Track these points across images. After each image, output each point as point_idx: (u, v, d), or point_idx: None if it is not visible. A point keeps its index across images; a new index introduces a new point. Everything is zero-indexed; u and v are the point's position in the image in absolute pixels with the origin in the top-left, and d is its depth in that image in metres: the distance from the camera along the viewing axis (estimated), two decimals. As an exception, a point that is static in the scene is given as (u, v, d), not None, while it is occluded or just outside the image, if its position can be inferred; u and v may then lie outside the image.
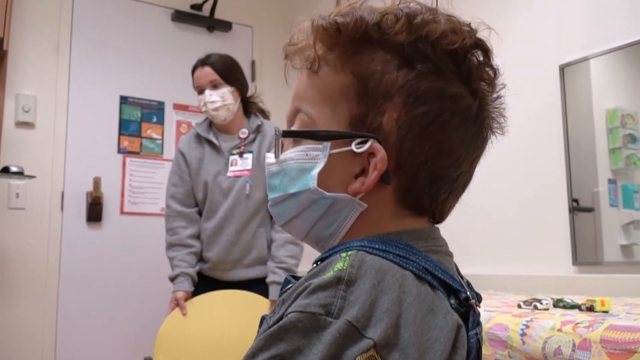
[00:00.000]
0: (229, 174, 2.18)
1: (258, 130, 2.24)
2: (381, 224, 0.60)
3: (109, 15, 3.20)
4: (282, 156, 0.63)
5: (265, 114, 2.36)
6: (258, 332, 0.58)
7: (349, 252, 0.53)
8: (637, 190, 1.94)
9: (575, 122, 2.08)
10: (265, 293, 2.12)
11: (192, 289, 2.14)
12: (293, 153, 0.62)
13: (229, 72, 2.20)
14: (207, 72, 2.18)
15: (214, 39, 3.49)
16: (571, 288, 1.93)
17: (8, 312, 2.75)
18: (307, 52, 0.62)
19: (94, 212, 3.01)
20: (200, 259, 2.21)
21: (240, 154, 2.20)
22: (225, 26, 3.54)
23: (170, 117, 3.34)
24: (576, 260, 2.02)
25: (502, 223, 2.28)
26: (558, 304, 1.51)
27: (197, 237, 2.21)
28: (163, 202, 2.86)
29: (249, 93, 2.32)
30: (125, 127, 3.19)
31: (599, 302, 1.37)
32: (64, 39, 3.04)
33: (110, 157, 3.13)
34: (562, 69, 2.11)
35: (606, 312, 1.36)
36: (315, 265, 0.57)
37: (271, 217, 2.23)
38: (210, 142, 2.23)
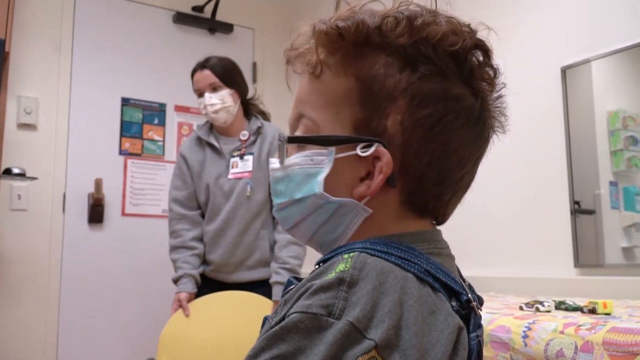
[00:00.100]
0: (230, 176, 2.19)
1: (258, 132, 2.24)
2: (385, 226, 0.60)
3: (110, 17, 3.20)
4: (286, 162, 0.63)
5: (265, 116, 2.37)
6: (260, 332, 0.58)
7: (351, 254, 0.54)
8: (638, 193, 1.94)
9: (577, 124, 2.08)
10: (268, 294, 2.13)
11: (196, 290, 2.15)
12: (298, 158, 0.62)
13: (228, 74, 2.21)
14: (207, 75, 2.19)
15: (215, 41, 3.49)
16: (573, 290, 1.93)
17: (10, 313, 2.75)
18: (308, 56, 0.62)
19: (96, 213, 3.02)
20: (204, 261, 2.22)
21: (241, 156, 2.20)
22: (227, 28, 3.55)
23: (172, 118, 3.34)
24: (578, 262, 2.02)
25: (504, 225, 2.28)
26: (560, 306, 1.51)
27: (200, 239, 2.21)
28: (164, 204, 2.87)
29: (249, 95, 2.33)
30: (126, 129, 3.20)
31: (601, 305, 1.37)
32: (65, 41, 3.04)
33: (111, 158, 3.13)
34: (564, 70, 2.11)
35: (608, 314, 1.35)
36: (317, 266, 0.57)
37: (273, 219, 2.24)
38: (211, 145, 2.23)
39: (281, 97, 3.08)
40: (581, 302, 1.50)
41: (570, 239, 2.04)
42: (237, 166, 2.20)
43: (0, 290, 2.75)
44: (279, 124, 2.52)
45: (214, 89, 2.18)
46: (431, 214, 0.63)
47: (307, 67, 0.62)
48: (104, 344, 2.97)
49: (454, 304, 0.57)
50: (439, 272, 0.57)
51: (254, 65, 3.62)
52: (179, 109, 3.36)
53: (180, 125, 3.36)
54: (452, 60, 0.58)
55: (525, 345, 1.27)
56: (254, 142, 2.23)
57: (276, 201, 0.65)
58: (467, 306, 0.59)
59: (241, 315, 2.07)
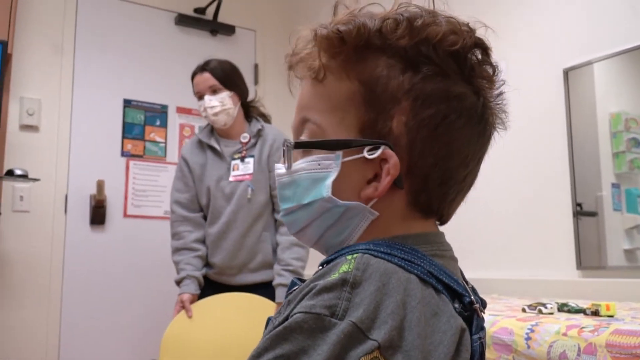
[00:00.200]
0: (231, 178, 2.19)
1: (259, 134, 2.25)
2: (390, 227, 0.60)
3: (112, 19, 3.21)
4: (293, 167, 0.63)
5: (266, 118, 2.37)
6: (264, 333, 0.58)
7: (355, 255, 0.54)
8: (641, 194, 1.94)
9: (579, 126, 2.07)
10: (271, 297, 2.13)
11: (198, 291, 2.15)
12: (305, 163, 0.62)
13: (227, 77, 2.22)
14: (206, 78, 2.19)
15: (217, 43, 3.50)
16: (575, 292, 1.92)
17: (12, 314, 2.75)
18: (310, 61, 0.62)
19: (98, 215, 3.02)
20: (207, 263, 2.22)
21: (242, 159, 2.21)
22: (229, 30, 3.55)
23: (174, 120, 3.34)
24: (580, 264, 2.02)
25: (506, 227, 2.28)
26: (562, 308, 1.51)
27: (203, 241, 2.22)
28: (166, 205, 2.87)
29: (250, 97, 2.33)
30: (128, 130, 3.20)
31: (604, 307, 1.37)
32: (67, 43, 3.05)
33: (113, 160, 3.14)
34: (566, 72, 2.11)
35: (611, 316, 1.35)
36: (321, 267, 0.57)
37: (275, 221, 2.24)
38: (212, 148, 2.24)
39: (283, 98, 3.08)
40: (584, 304, 1.50)
41: (573, 241, 2.04)
42: (238, 169, 2.20)
43: (2, 292, 2.75)
44: (281, 125, 2.52)
45: (214, 91, 2.19)
46: (436, 213, 0.63)
47: (309, 72, 0.62)
48: (106, 346, 2.96)
49: (456, 305, 0.57)
50: (442, 274, 0.57)
51: (256, 67, 3.63)
52: (181, 110, 3.36)
53: (182, 126, 3.37)
54: (453, 60, 0.59)
55: (528, 347, 1.27)
56: (254, 145, 2.23)
57: (283, 206, 0.65)
58: (469, 308, 0.59)
59: (244, 317, 2.07)
